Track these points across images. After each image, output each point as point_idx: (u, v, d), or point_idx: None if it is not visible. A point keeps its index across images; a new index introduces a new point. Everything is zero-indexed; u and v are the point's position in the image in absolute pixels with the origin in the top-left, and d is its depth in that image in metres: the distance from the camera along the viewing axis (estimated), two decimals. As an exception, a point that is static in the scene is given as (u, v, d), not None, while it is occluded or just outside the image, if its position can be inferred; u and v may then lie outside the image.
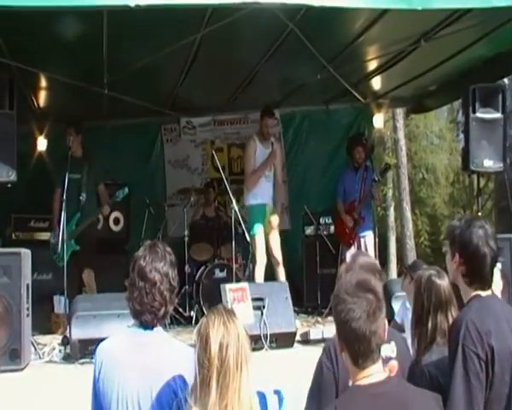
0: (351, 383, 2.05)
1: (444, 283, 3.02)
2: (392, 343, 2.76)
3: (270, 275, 7.26)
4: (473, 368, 2.24)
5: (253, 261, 6.74)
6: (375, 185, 7.26)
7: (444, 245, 2.65)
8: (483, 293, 2.42)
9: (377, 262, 3.04)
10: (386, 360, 2.67)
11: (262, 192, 6.80)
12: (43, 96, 7.51)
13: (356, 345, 1.96)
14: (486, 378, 2.25)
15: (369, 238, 7.29)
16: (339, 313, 1.99)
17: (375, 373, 1.99)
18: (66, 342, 5.11)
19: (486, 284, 2.43)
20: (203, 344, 2.01)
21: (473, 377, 2.24)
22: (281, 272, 6.77)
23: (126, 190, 6.61)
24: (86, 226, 6.49)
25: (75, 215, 6.46)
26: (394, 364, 2.67)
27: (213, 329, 2.02)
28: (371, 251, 7.14)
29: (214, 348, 1.99)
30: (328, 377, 2.58)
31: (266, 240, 6.79)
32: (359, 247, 7.24)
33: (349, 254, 7.15)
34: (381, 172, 7.65)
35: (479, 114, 6.18)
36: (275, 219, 6.83)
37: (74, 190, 6.36)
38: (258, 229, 6.74)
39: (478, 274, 2.41)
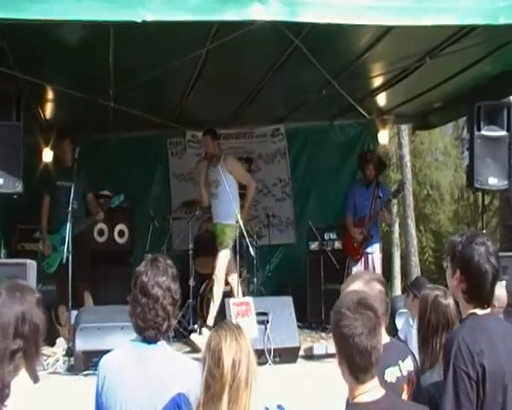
0: (349, 400, 2.11)
1: (450, 302, 3.03)
2: (410, 357, 2.78)
3: (276, 290, 7.26)
4: (463, 388, 2.20)
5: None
6: (384, 205, 7.19)
7: (444, 260, 2.63)
8: (480, 311, 2.37)
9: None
10: (409, 374, 2.69)
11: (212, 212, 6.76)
12: (49, 108, 7.55)
13: (357, 359, 2.06)
14: (477, 398, 2.21)
15: (376, 255, 7.25)
16: (341, 327, 2.09)
17: (372, 389, 2.09)
18: (70, 353, 5.11)
19: (486, 302, 2.39)
20: (215, 360, 2.00)
21: (463, 396, 2.21)
22: (216, 290, 6.49)
23: (122, 197, 6.68)
24: (78, 234, 6.48)
25: (66, 223, 6.45)
26: (414, 377, 2.70)
27: (226, 344, 2.01)
28: (378, 268, 7.13)
29: (227, 363, 1.98)
30: None
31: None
32: (366, 263, 7.19)
33: (356, 269, 7.13)
34: (393, 193, 7.61)
35: (484, 132, 6.17)
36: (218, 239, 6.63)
37: (66, 198, 6.37)
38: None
39: (478, 292, 2.37)
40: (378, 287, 2.72)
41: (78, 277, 6.38)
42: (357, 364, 2.06)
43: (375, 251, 7.25)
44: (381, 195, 7.14)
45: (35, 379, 2.21)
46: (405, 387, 2.65)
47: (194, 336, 6.08)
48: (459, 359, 2.23)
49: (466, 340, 2.25)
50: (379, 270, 7.07)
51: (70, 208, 6.05)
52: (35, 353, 2.19)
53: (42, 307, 2.28)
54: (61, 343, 5.95)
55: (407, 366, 2.71)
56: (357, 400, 2.07)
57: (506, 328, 2.46)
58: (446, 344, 2.38)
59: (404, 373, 2.68)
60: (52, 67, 6.13)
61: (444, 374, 2.32)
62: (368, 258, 7.21)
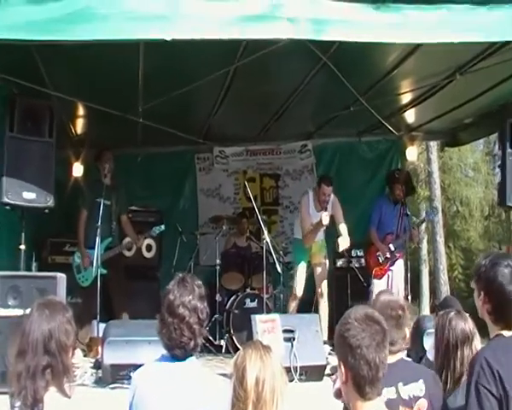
0: None
1: (467, 322, 3.03)
2: (421, 381, 2.69)
3: (303, 307, 7.21)
4: (488, 405, 2.18)
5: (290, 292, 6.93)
6: (417, 224, 7.18)
7: (471, 282, 2.65)
8: (507, 333, 2.39)
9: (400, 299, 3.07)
10: (415, 399, 2.62)
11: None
12: (80, 124, 7.67)
13: (364, 371, 1.97)
14: None
15: (400, 274, 7.11)
16: (348, 338, 2.01)
17: None
18: (98, 365, 5.15)
19: (511, 323, 2.40)
20: (239, 377, 2.02)
21: None
22: (322, 306, 6.82)
23: (163, 227, 6.82)
24: (116, 254, 6.60)
25: (106, 239, 6.56)
26: (423, 403, 2.62)
27: (250, 362, 2.03)
28: (402, 284, 7.03)
29: (251, 381, 2.00)
30: None
31: (313, 273, 6.94)
32: (389, 281, 7.08)
33: (377, 283, 7.02)
34: (419, 222, 7.52)
35: (516, 149, 6.10)
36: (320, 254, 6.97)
37: (106, 216, 6.46)
38: (300, 262, 6.89)
39: (502, 313, 2.40)
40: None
41: (115, 293, 6.49)
42: (363, 377, 1.97)
43: (398, 270, 7.12)
44: (408, 213, 7.11)
45: (64, 395, 2.25)
46: None
47: None
48: (482, 378, 2.22)
49: (489, 360, 2.25)
50: (402, 289, 6.98)
51: (99, 223, 6.14)
52: (62, 369, 2.23)
53: (72, 325, 2.33)
54: (77, 354, 5.98)
55: (412, 390, 2.64)
56: None
57: None
58: (470, 364, 2.37)
59: (404, 396, 2.60)
60: (84, 85, 6.23)
61: (466, 395, 2.29)
62: (392, 276, 7.07)
